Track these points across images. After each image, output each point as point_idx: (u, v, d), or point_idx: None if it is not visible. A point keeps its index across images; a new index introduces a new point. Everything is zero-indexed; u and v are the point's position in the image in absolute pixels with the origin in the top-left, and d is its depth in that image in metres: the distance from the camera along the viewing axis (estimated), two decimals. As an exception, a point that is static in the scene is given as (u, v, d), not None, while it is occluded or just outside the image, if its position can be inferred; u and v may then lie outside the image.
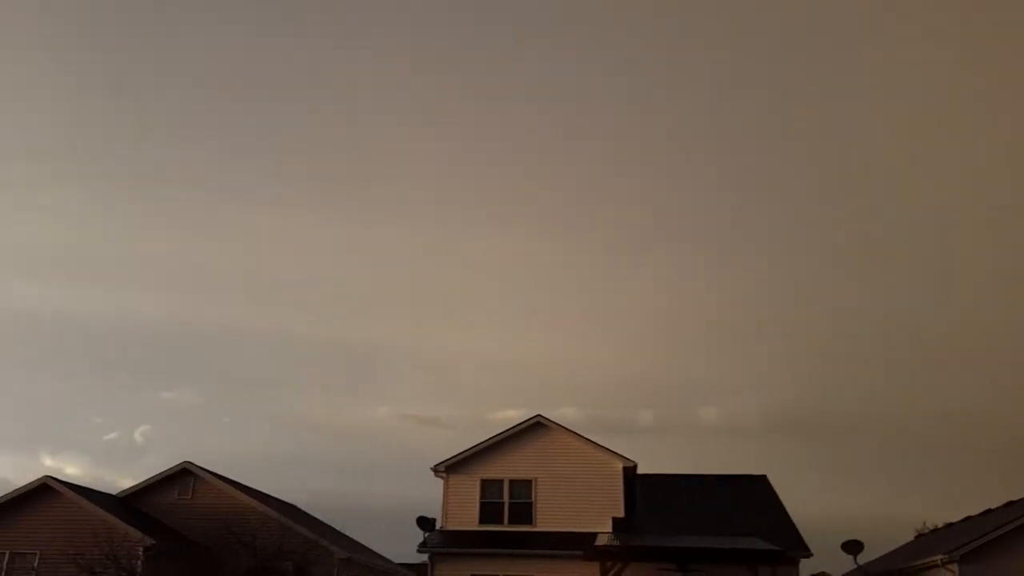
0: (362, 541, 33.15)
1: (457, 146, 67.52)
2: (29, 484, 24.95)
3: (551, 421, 26.83)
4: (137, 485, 27.76)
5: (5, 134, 66.31)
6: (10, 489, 25.26)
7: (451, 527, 25.88)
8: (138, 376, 73.44)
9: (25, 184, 64.73)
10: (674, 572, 22.26)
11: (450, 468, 26.58)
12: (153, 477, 27.71)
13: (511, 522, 25.87)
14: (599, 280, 67.89)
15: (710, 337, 65.86)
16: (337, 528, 31.57)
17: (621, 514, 25.16)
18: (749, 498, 27.63)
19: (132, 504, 27.20)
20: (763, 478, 28.98)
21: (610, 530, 24.55)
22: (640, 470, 26.51)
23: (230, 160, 66.84)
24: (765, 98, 59.91)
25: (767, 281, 62.66)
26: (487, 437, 26.72)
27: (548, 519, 25.65)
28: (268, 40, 62.77)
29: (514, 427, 26.90)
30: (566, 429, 26.78)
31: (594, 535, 23.83)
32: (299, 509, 33.19)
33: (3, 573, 23.83)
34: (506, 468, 26.52)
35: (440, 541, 25.07)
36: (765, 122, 59.62)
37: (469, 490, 26.34)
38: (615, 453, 25.90)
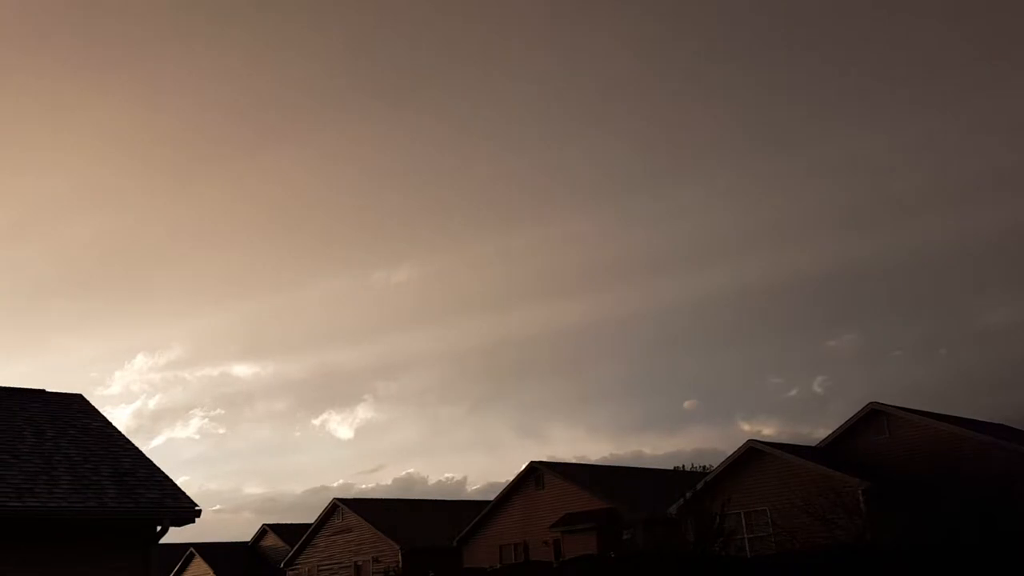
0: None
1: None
2: (738, 451, 27.29)
3: None
4: (832, 434, 28.20)
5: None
6: (719, 457, 28.08)
7: None
8: (800, 332, 76.35)
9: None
10: None
11: None
12: (844, 424, 27.84)
13: None
14: None
15: None
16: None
17: None
18: None
19: (832, 452, 27.69)
20: None
21: None
22: None
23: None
24: None
25: None
26: None
27: None
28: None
29: None
30: None
31: None
32: (1011, 428, 30.00)
33: (744, 529, 26.38)
34: None
35: None
36: None
37: None
38: None
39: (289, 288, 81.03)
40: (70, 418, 15.85)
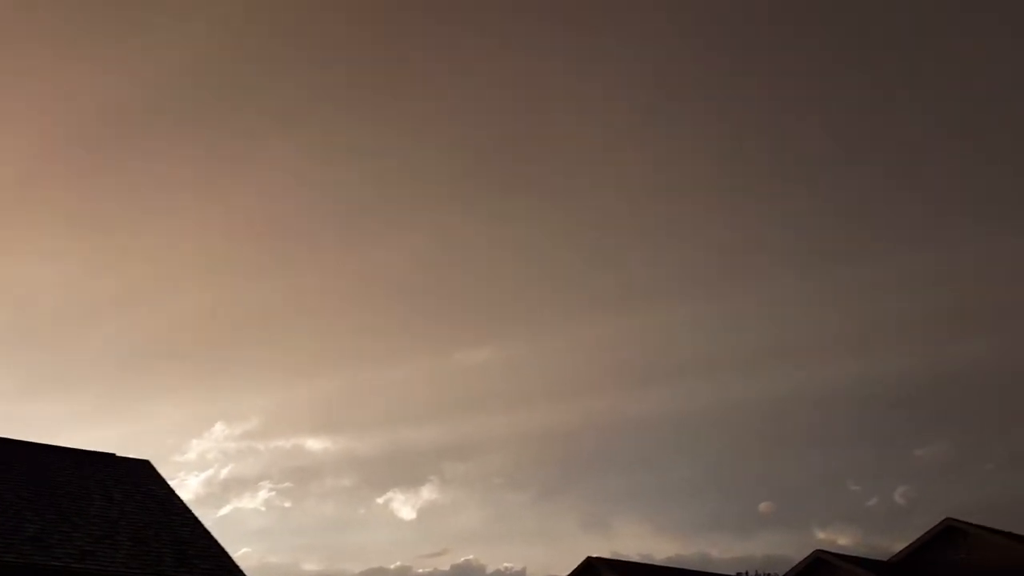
0: None
1: None
2: (804, 560, 26.29)
3: None
4: (905, 548, 26.94)
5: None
6: (790, 564, 27.00)
7: None
8: (887, 439, 73.29)
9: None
10: None
11: None
12: (919, 539, 26.59)
13: None
14: None
15: None
16: None
17: None
18: None
19: (906, 568, 26.39)
20: None
21: None
22: None
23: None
24: None
25: None
26: None
27: None
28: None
29: None
30: None
31: None
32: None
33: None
34: None
35: None
36: None
37: None
38: None
39: (372, 365, 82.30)
40: (137, 484, 16.49)
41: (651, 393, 75.60)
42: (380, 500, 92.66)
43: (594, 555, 33.71)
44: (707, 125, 66.07)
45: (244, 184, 68.94)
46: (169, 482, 17.57)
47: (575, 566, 34.43)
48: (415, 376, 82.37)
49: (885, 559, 27.72)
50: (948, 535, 25.94)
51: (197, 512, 16.43)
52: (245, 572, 15.11)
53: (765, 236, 69.08)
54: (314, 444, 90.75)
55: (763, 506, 78.75)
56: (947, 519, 25.99)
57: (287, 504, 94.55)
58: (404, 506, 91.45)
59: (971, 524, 25.72)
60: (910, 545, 26.72)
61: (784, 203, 67.04)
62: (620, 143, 67.29)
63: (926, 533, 26.35)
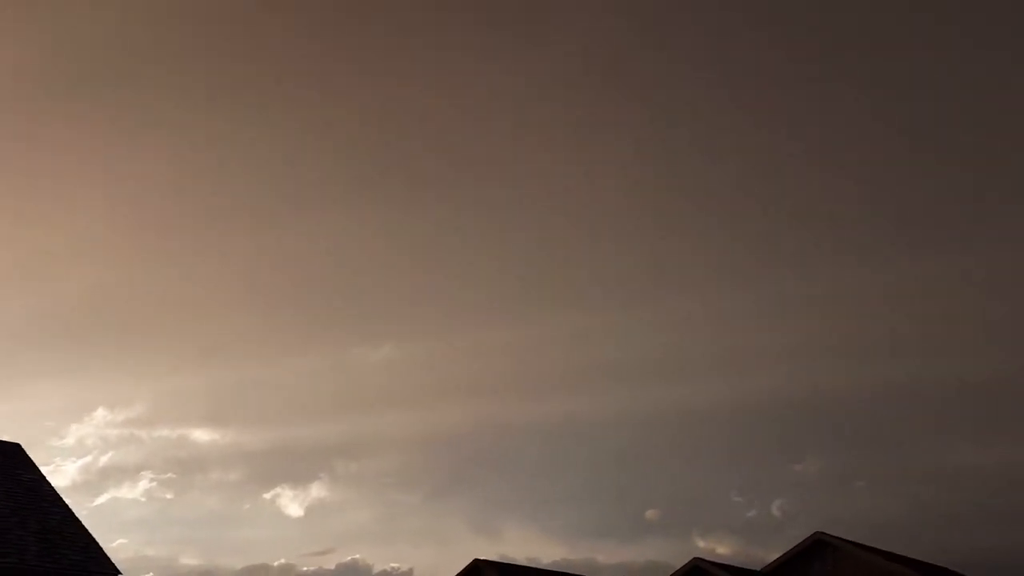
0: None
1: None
2: (682, 568, 27.08)
3: None
4: (776, 560, 28.02)
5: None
6: (670, 571, 27.83)
7: None
8: (770, 453, 76.28)
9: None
10: None
11: None
12: (789, 551, 27.68)
13: None
14: None
15: None
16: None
17: None
18: None
19: (777, 579, 27.47)
20: None
21: None
22: None
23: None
24: None
25: None
26: None
27: None
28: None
29: None
30: None
31: None
32: (956, 573, 29.99)
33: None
34: None
35: None
36: None
37: None
38: None
39: (266, 358, 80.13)
40: (5, 468, 15.72)
41: (545, 399, 76.48)
42: (267, 496, 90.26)
43: (481, 557, 33.93)
44: (631, 126, 67.31)
45: (141, 168, 66.35)
46: (45, 468, 16.91)
47: (459, 568, 34.55)
48: (311, 371, 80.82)
49: (759, 569, 28.82)
50: (817, 548, 27.11)
51: (72, 500, 15.86)
52: (119, 564, 14.66)
53: (668, 251, 70.94)
54: (201, 435, 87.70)
55: (649, 513, 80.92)
56: (817, 533, 27.19)
57: (168, 496, 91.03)
58: (292, 503, 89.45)
59: (839, 538, 26.98)
60: (781, 556, 27.79)
61: (685, 231, 68.97)
62: (534, 141, 67.91)
63: (796, 546, 27.46)
